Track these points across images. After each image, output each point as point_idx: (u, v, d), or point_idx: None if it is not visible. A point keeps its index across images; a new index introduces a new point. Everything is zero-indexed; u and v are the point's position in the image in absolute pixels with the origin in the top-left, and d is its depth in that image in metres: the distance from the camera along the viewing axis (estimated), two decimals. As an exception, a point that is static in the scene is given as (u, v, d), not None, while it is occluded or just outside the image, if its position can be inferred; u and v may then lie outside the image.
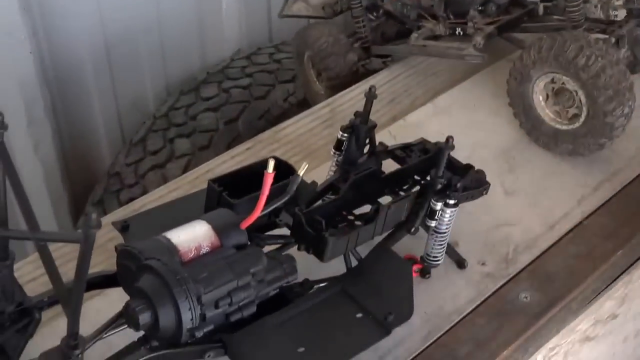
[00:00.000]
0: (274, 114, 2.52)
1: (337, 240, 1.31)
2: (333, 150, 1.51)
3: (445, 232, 1.44)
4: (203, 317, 1.17)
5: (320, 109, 1.92)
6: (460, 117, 1.85)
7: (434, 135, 1.74)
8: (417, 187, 1.47)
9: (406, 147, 1.58)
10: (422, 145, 1.59)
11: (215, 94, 2.63)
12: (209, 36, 2.89)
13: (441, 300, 1.47)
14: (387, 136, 1.80)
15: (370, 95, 1.46)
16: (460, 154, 1.71)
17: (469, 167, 1.51)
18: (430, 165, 1.50)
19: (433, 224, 1.42)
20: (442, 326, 1.44)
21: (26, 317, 1.26)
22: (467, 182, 1.51)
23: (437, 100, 1.90)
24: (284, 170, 1.43)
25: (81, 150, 2.86)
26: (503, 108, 1.84)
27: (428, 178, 1.45)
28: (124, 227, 1.39)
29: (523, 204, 1.65)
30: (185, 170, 2.44)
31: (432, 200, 1.39)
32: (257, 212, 1.26)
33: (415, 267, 1.49)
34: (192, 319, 1.13)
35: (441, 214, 1.41)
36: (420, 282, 1.50)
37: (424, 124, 1.84)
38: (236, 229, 1.26)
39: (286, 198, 1.30)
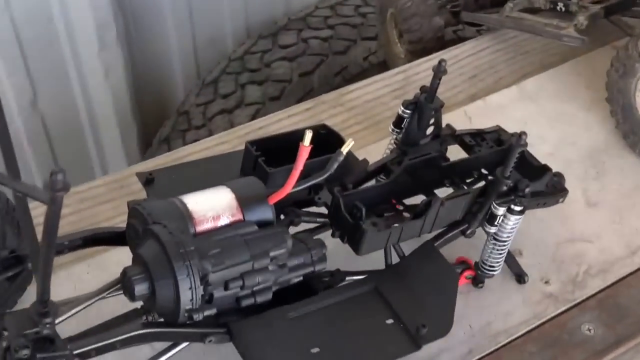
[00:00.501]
0: (352, 72, 2.33)
1: (377, 232, 1.13)
2: (392, 126, 1.32)
3: (506, 241, 1.24)
4: (209, 298, 1.02)
5: (394, 75, 1.72)
6: (548, 106, 1.63)
7: (515, 123, 1.55)
8: (481, 183, 1.26)
9: (477, 135, 1.38)
10: (497, 135, 1.39)
11: (293, 43, 2.46)
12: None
13: (491, 315, 1.28)
14: (461, 116, 1.60)
15: (439, 71, 1.25)
16: (542, 150, 1.51)
17: (546, 168, 1.30)
18: (501, 159, 1.30)
19: (492, 230, 1.22)
20: (487, 347, 1.25)
21: (19, 265, 1.13)
22: (541, 186, 1.29)
23: (525, 84, 1.68)
24: (334, 141, 1.25)
25: (154, 83, 2.75)
26: (599, 103, 1.61)
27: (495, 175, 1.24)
28: (148, 180, 1.23)
29: (606, 219, 1.43)
30: (252, 119, 2.28)
31: (494, 204, 1.19)
32: (288, 188, 1.09)
33: (467, 273, 1.31)
34: (192, 300, 0.98)
35: (503, 220, 1.21)
36: (470, 291, 1.32)
37: (506, 108, 1.63)
38: (263, 203, 1.10)
39: (324, 176, 1.12)
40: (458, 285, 1.18)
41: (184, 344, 1.08)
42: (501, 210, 1.20)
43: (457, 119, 1.59)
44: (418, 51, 1.85)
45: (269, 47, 2.51)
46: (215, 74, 2.54)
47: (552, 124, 1.59)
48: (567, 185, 1.46)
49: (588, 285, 1.33)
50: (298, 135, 1.29)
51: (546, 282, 1.33)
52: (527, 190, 1.19)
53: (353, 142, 1.13)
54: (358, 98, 1.65)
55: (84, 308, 1.02)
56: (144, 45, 2.63)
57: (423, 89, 1.29)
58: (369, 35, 2.42)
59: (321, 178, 1.13)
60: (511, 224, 1.22)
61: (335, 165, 1.13)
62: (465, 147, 1.37)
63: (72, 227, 1.35)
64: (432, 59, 1.78)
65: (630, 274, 1.36)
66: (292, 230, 1.22)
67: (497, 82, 1.71)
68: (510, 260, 1.33)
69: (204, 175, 1.26)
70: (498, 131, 1.40)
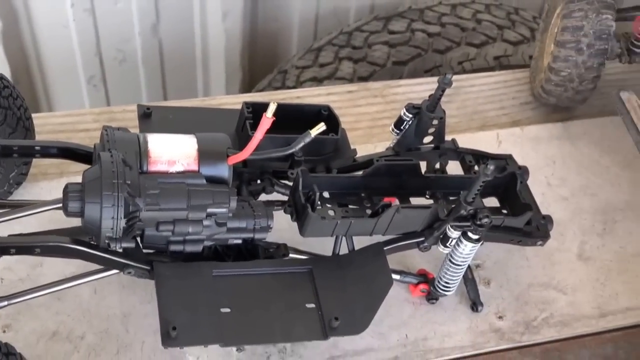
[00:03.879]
0: (442, 73, 2.29)
1: (320, 219, 1.14)
2: (392, 126, 1.32)
3: (460, 265, 1.23)
4: (140, 234, 1.08)
5: (446, 80, 1.69)
6: (584, 151, 1.58)
7: (543, 159, 1.54)
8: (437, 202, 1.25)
9: (482, 157, 1.35)
10: (504, 163, 1.35)
11: (401, 31, 2.45)
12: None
13: (431, 332, 1.28)
14: (492, 138, 1.58)
15: (444, 83, 1.24)
16: (558, 192, 1.48)
17: (527, 207, 1.26)
18: (491, 186, 1.28)
19: (445, 250, 1.20)
20: (413, 359, 1.24)
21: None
22: (519, 224, 1.26)
23: (571, 124, 1.63)
24: (335, 123, 1.27)
25: (270, 37, 2.82)
26: (638, 163, 1.52)
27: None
28: (145, 113, 1.30)
29: (590, 276, 1.38)
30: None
31: (450, 226, 1.17)
32: (246, 153, 1.12)
33: (422, 287, 1.30)
34: (112, 228, 1.04)
35: (459, 245, 1.19)
36: (423, 304, 1.32)
37: (541, 142, 1.59)
38: (221, 161, 1.13)
39: (286, 152, 1.15)
40: (387, 292, 1.17)
41: (111, 272, 1.14)
42: (455, 234, 1.19)
43: (487, 139, 1.57)
44: None
45: (378, 29, 2.51)
46: (323, 42, 2.57)
47: (580, 170, 1.54)
48: (568, 233, 1.43)
49: (541, 332, 1.30)
50: (301, 108, 1.33)
51: (500, 317, 1.31)
52: (484, 221, 1.16)
53: (324, 127, 1.15)
54: (402, 94, 1.66)
55: (27, 215, 1.10)
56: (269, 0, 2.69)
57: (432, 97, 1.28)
58: (474, 41, 2.38)
59: (282, 153, 1.17)
60: (467, 250, 1.20)
61: (301, 144, 1.16)
62: (464, 165, 1.35)
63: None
64: (495, 76, 1.74)
65: (589, 335, 1.31)
66: (264, 197, 1.26)
67: (548, 116, 1.65)
68: (471, 286, 1.32)
69: (199, 123, 1.32)
70: (507, 160, 1.37)
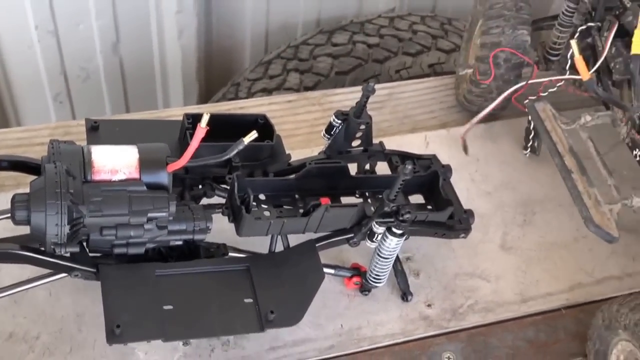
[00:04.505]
0: (381, 81, 2.30)
1: (254, 220, 1.14)
2: (324, 132, 1.32)
3: (387, 258, 1.23)
4: (86, 239, 1.07)
5: (379, 89, 1.70)
6: (506, 149, 1.58)
7: (468, 158, 1.51)
8: (367, 200, 1.25)
9: (408, 157, 1.36)
10: (429, 162, 1.36)
11: (344, 43, 2.46)
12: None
13: (364, 322, 1.28)
14: (420, 140, 1.58)
15: (367, 90, 1.24)
16: (481, 187, 1.49)
17: (449, 202, 1.27)
18: (416, 184, 1.28)
19: (372, 245, 1.21)
20: (348, 347, 1.26)
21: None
22: (442, 218, 1.27)
23: (494, 124, 1.63)
24: (270, 131, 1.27)
25: (224, 52, 2.82)
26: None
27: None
28: (93, 127, 1.29)
29: (512, 265, 1.39)
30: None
31: (375, 222, 1.17)
32: (184, 161, 1.12)
33: (356, 280, 1.30)
34: (57, 235, 1.03)
35: (385, 239, 1.19)
36: (357, 295, 1.32)
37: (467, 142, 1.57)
38: (160, 169, 1.12)
39: (221, 159, 1.15)
40: (319, 286, 1.17)
41: (62, 275, 1.13)
42: (380, 229, 1.19)
43: (416, 141, 1.58)
44: None
45: (323, 41, 2.52)
46: (272, 55, 2.57)
47: (502, 166, 1.55)
48: (491, 225, 1.44)
49: (467, 318, 1.31)
50: (240, 118, 1.33)
51: (428, 306, 1.32)
52: (406, 216, 1.16)
53: (256, 135, 1.14)
54: (338, 102, 1.65)
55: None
56: (221, 17, 2.69)
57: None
58: (410, 50, 2.39)
59: (218, 160, 1.16)
60: (393, 244, 1.21)
61: (235, 151, 1.16)
62: (391, 166, 1.35)
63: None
64: (424, 82, 1.75)
65: (511, 319, 1.32)
66: (206, 201, 1.26)
67: (473, 118, 1.65)
68: (401, 278, 1.32)
69: (144, 134, 1.31)
70: (431, 159, 1.38)
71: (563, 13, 1.48)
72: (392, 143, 1.48)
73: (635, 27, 1.28)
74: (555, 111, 1.44)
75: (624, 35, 1.36)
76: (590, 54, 1.44)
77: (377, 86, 1.72)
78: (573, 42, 1.30)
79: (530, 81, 1.47)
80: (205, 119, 1.09)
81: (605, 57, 1.36)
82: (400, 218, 1.17)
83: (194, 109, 1.76)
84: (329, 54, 2.45)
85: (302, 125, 1.60)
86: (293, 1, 2.70)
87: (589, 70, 1.35)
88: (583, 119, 1.43)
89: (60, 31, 2.35)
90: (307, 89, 2.37)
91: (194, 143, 1.10)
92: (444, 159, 1.40)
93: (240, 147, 1.14)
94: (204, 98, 2.83)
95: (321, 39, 2.53)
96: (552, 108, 1.45)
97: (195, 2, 2.54)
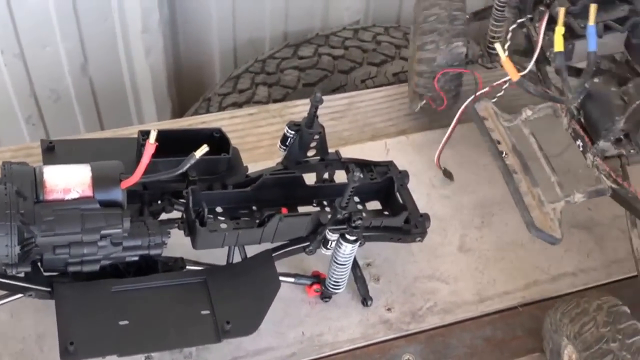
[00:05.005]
0: (347, 91, 2.31)
1: (208, 232, 1.14)
2: (279, 143, 1.32)
3: (344, 264, 1.24)
4: (40, 259, 1.06)
5: (339, 99, 1.73)
6: (465, 153, 1.60)
7: (427, 163, 1.53)
8: (324, 209, 1.25)
9: (365, 165, 1.36)
10: (386, 169, 1.36)
11: (309, 56, 2.48)
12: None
13: (325, 328, 1.29)
14: (381, 147, 1.59)
15: (315, 101, 1.25)
16: (440, 192, 1.51)
17: (404, 207, 1.27)
18: (370, 191, 1.29)
19: (327, 252, 1.21)
20: (310, 354, 1.27)
21: None
22: (398, 223, 1.27)
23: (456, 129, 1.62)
24: (225, 145, 1.27)
25: (194, 67, 2.82)
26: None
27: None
28: (49, 147, 1.29)
29: (470, 266, 1.40)
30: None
31: (329, 230, 1.17)
32: (136, 178, 1.12)
33: (316, 287, 1.31)
34: (7, 255, 1.02)
35: (339, 246, 1.19)
36: (318, 303, 1.33)
37: (424, 148, 1.60)
38: (114, 186, 1.12)
39: (174, 174, 1.15)
40: (276, 294, 1.17)
41: (18, 295, 1.12)
42: (334, 237, 1.19)
43: (376, 148, 1.59)
44: None
45: (289, 55, 2.53)
46: (240, 70, 2.58)
47: (460, 170, 1.56)
48: (450, 228, 1.45)
49: (426, 320, 1.31)
50: (196, 132, 1.33)
51: (388, 310, 1.32)
52: (357, 222, 1.17)
53: (207, 149, 1.14)
54: (298, 113, 1.66)
55: None
56: (188, 35, 2.69)
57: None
58: (374, 60, 2.41)
59: (171, 175, 1.16)
60: (348, 251, 1.22)
61: (187, 165, 1.15)
62: (348, 174, 1.35)
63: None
64: (382, 91, 1.76)
65: (469, 319, 1.33)
66: (165, 216, 1.25)
67: (431, 124, 1.67)
68: (361, 284, 1.33)
69: (102, 152, 1.30)
70: (388, 166, 1.39)
71: (495, 8, 1.48)
72: (353, 151, 1.49)
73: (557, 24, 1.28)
74: (496, 109, 1.45)
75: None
76: (529, 45, 1.44)
77: (337, 96, 1.76)
78: (498, 46, 1.29)
79: (478, 93, 1.47)
80: (153, 135, 1.09)
81: (542, 47, 1.35)
82: (352, 225, 1.18)
83: (166, 124, 1.77)
84: (296, 66, 2.46)
85: (264, 137, 1.60)
86: (259, 16, 2.71)
87: (530, 61, 1.34)
88: (524, 114, 1.43)
89: (27, 54, 2.35)
90: (275, 101, 2.38)
91: (144, 159, 1.10)
92: (403, 165, 1.41)
93: (192, 161, 1.14)
94: (178, 113, 2.83)
95: (288, 52, 2.54)
96: (494, 106, 1.45)
97: (160, 21, 2.54)
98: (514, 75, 1.26)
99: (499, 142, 1.41)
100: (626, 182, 1.30)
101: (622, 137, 1.30)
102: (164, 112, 2.80)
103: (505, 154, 1.40)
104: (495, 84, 1.43)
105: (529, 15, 1.39)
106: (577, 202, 1.32)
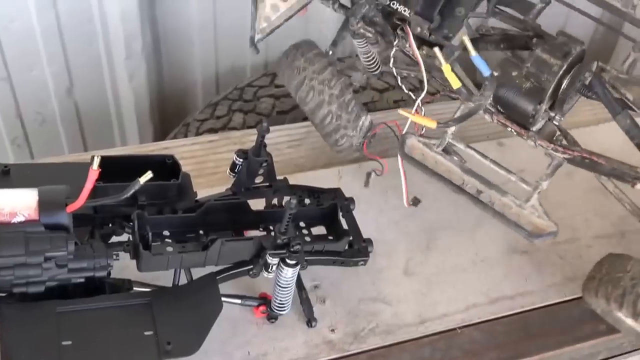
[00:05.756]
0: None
1: (152, 256, 1.17)
2: (229, 170, 1.35)
3: (286, 287, 1.27)
4: None
5: (298, 128, 1.77)
6: (413, 180, 1.59)
7: (379, 189, 1.55)
8: (261, 234, 1.28)
9: (312, 191, 1.39)
10: (333, 195, 1.39)
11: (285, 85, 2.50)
12: (313, 29, 2.75)
13: (271, 348, 1.33)
14: (334, 174, 1.62)
15: (262, 130, 1.28)
16: (389, 216, 1.54)
17: (346, 233, 1.30)
18: (315, 216, 1.32)
19: (269, 276, 1.24)
20: (253, 373, 1.27)
21: None
22: (341, 247, 1.30)
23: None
24: (177, 170, 1.30)
25: (176, 93, 2.86)
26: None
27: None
28: (4, 171, 1.31)
29: (413, 288, 1.43)
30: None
31: (269, 255, 1.20)
32: (80, 203, 1.15)
33: (263, 308, 1.34)
34: None
35: (280, 270, 1.22)
36: (265, 324, 1.35)
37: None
38: (59, 210, 1.15)
39: (118, 199, 1.17)
40: (217, 316, 1.20)
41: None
42: (275, 261, 1.22)
43: (329, 175, 1.65)
44: None
45: (266, 83, 2.57)
46: (219, 97, 2.62)
47: (409, 196, 1.57)
48: (396, 252, 1.47)
49: (367, 341, 1.34)
50: (149, 158, 1.36)
51: (332, 330, 1.35)
52: (296, 247, 1.20)
53: (152, 175, 1.17)
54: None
55: None
56: (171, 61, 2.73)
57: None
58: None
59: (115, 200, 1.19)
60: (289, 274, 1.24)
61: (132, 191, 1.18)
62: (298, 201, 1.38)
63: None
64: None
65: (410, 340, 1.35)
66: (116, 239, 1.28)
67: (381, 153, 1.67)
68: (306, 305, 1.36)
69: (57, 176, 1.32)
70: (335, 192, 1.41)
71: (359, 51, 1.50)
72: (307, 178, 1.52)
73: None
74: (423, 140, 1.45)
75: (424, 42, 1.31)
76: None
77: (298, 125, 1.79)
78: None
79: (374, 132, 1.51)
80: (96, 162, 1.13)
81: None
82: (292, 249, 1.21)
83: (129, 150, 1.80)
84: (272, 94, 2.50)
85: (222, 163, 1.63)
86: (240, 44, 2.75)
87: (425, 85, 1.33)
88: (449, 130, 1.42)
89: (14, 77, 2.40)
90: (250, 127, 2.42)
91: (88, 185, 1.14)
92: (355, 192, 1.45)
93: (137, 186, 1.18)
94: (160, 137, 2.87)
95: (265, 81, 2.59)
96: (419, 139, 1.45)
97: (143, 47, 2.58)
98: (431, 124, 1.25)
99: (448, 175, 1.42)
100: (573, 148, 1.32)
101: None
102: (147, 136, 2.84)
103: (463, 182, 1.42)
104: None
105: (395, 42, 1.35)
106: (547, 187, 1.35)
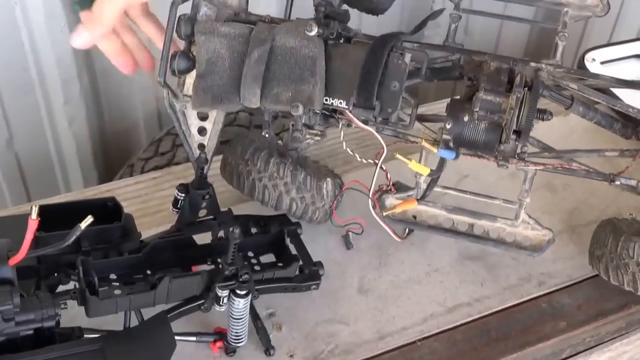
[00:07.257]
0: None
1: (99, 300, 1.15)
2: (172, 206, 1.35)
3: (239, 319, 1.26)
4: None
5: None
6: (358, 199, 1.60)
7: None
8: (210, 267, 1.28)
9: (258, 219, 1.39)
10: (280, 221, 1.39)
11: (229, 113, 2.49)
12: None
13: (231, 380, 1.29)
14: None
15: (200, 161, 1.28)
16: (338, 238, 1.52)
17: (295, 258, 1.31)
18: (264, 244, 1.32)
19: (221, 309, 1.23)
20: (214, 408, 1.25)
21: None
22: (291, 273, 1.30)
23: (348, 175, 1.66)
24: (119, 213, 1.29)
25: (119, 134, 2.84)
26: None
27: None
28: None
29: (370, 305, 1.43)
30: (174, 177, 2.33)
31: (217, 287, 1.20)
32: (22, 255, 1.13)
33: (220, 343, 1.33)
34: None
35: (231, 302, 1.22)
36: (223, 357, 1.34)
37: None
38: (1, 263, 1.13)
39: (60, 247, 1.16)
40: (171, 354, 1.19)
41: None
42: (224, 293, 1.22)
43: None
44: None
45: (208, 115, 2.56)
46: (162, 133, 2.61)
47: (357, 215, 1.58)
48: (349, 272, 1.48)
49: (327, 363, 1.33)
50: (90, 202, 1.35)
51: (291, 356, 1.34)
52: (244, 277, 1.20)
53: (92, 219, 1.16)
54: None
55: None
56: (110, 102, 2.72)
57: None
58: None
59: (56, 248, 1.17)
60: (241, 305, 1.24)
61: (73, 238, 1.16)
62: (243, 229, 1.38)
63: None
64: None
65: (370, 358, 1.35)
66: (63, 288, 1.27)
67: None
68: (262, 334, 1.35)
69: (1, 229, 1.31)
70: (282, 219, 1.41)
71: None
72: (253, 207, 1.51)
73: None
74: (396, 196, 1.44)
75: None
76: None
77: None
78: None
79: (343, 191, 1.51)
80: (34, 211, 1.11)
81: None
82: (240, 280, 1.21)
83: (71, 196, 1.78)
84: (213, 125, 2.49)
85: (167, 200, 1.61)
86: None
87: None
88: (422, 178, 1.41)
89: (-48, 133, 2.36)
90: (195, 160, 2.41)
91: (28, 235, 1.12)
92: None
93: (77, 232, 1.16)
94: (105, 180, 2.84)
95: (206, 113, 2.58)
96: (393, 196, 1.44)
97: (81, 91, 2.57)
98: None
99: (436, 222, 1.44)
100: (546, 162, 1.34)
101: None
102: (91, 180, 2.81)
103: (453, 223, 1.45)
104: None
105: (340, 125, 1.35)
106: (529, 201, 1.38)
